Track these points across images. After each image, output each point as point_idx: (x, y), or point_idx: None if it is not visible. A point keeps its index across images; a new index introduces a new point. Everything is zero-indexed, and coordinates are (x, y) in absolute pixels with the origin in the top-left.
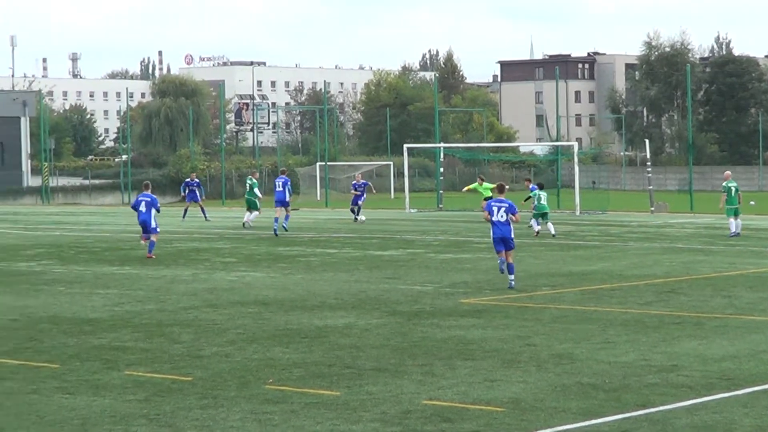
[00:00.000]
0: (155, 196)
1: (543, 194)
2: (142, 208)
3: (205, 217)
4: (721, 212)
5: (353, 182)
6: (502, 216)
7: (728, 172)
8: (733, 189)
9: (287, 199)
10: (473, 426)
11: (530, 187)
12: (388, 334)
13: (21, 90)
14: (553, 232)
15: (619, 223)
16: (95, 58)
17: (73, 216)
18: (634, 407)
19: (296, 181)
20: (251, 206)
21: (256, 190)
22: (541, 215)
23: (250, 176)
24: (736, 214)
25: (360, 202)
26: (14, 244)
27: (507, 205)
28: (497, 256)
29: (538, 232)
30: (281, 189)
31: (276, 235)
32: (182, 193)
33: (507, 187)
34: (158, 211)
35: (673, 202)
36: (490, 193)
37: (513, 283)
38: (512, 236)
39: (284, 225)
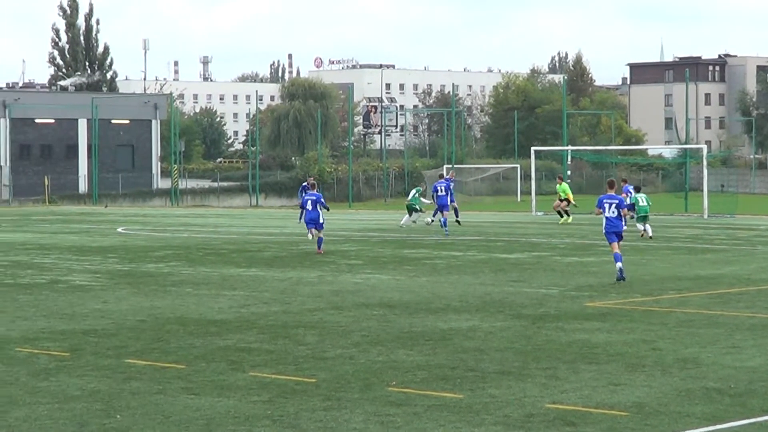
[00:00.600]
0: (320, 194)
1: (642, 196)
2: (309, 206)
3: None
4: None
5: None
6: (613, 212)
7: None
8: None
9: (448, 203)
10: (596, 430)
11: (624, 188)
12: (512, 337)
13: (153, 93)
14: (650, 233)
15: (748, 227)
16: (226, 61)
17: (201, 218)
18: (760, 413)
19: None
20: (412, 211)
21: (421, 197)
22: (642, 217)
23: (418, 186)
24: None
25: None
26: (143, 246)
27: (618, 201)
28: (611, 247)
29: (644, 234)
30: (444, 193)
31: (446, 235)
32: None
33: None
34: (326, 208)
35: None
36: (565, 194)
37: (622, 271)
38: (623, 229)
39: (445, 230)
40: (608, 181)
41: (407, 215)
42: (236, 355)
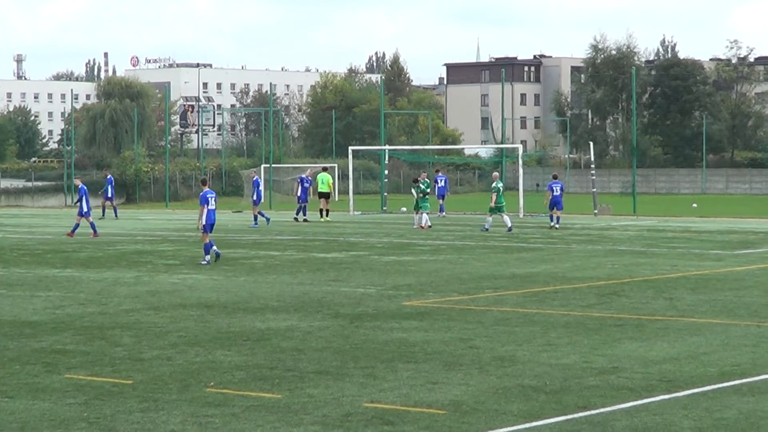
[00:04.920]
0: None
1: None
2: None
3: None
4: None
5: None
6: (213, 205)
7: (495, 174)
8: (501, 189)
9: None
10: (414, 428)
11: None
12: (330, 337)
13: None
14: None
15: (563, 226)
16: (40, 59)
17: (15, 218)
18: (575, 409)
19: (240, 183)
20: (423, 208)
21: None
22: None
23: (419, 177)
24: (501, 211)
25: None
26: None
27: (214, 195)
28: (206, 237)
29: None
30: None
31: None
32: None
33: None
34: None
35: (616, 204)
36: (326, 188)
37: (207, 260)
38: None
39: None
40: (201, 179)
41: (425, 215)
42: (51, 357)
